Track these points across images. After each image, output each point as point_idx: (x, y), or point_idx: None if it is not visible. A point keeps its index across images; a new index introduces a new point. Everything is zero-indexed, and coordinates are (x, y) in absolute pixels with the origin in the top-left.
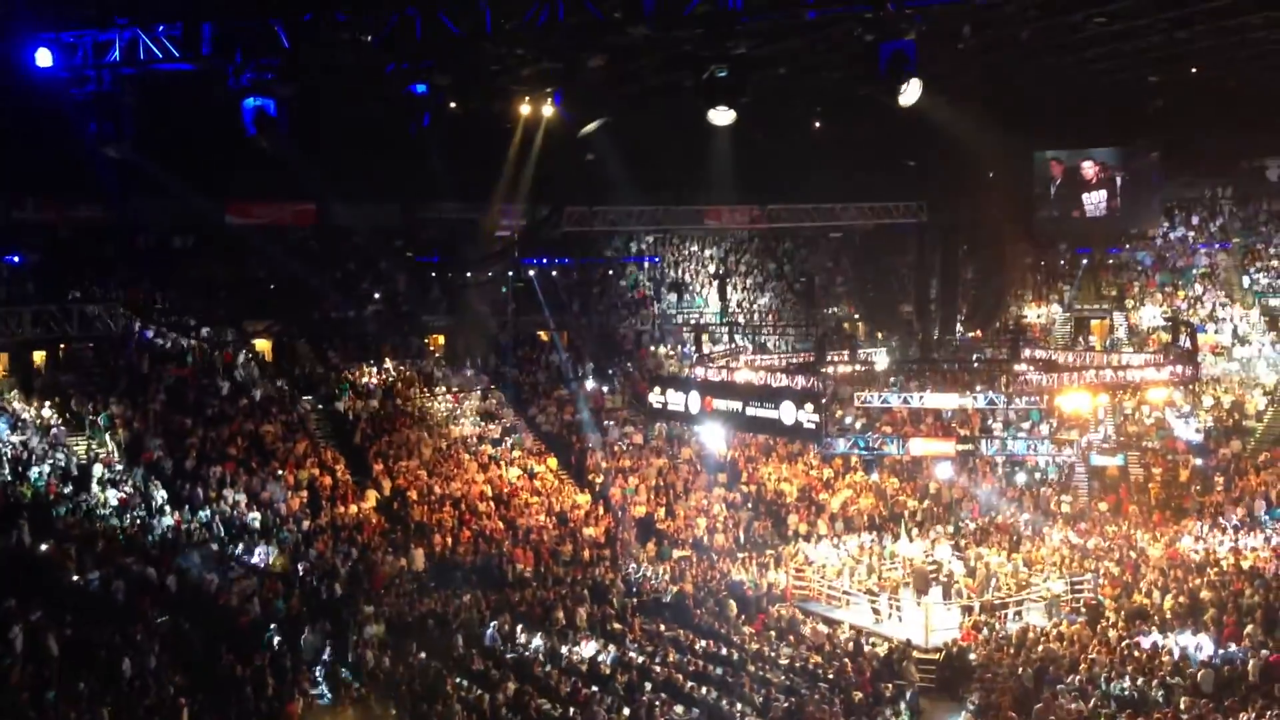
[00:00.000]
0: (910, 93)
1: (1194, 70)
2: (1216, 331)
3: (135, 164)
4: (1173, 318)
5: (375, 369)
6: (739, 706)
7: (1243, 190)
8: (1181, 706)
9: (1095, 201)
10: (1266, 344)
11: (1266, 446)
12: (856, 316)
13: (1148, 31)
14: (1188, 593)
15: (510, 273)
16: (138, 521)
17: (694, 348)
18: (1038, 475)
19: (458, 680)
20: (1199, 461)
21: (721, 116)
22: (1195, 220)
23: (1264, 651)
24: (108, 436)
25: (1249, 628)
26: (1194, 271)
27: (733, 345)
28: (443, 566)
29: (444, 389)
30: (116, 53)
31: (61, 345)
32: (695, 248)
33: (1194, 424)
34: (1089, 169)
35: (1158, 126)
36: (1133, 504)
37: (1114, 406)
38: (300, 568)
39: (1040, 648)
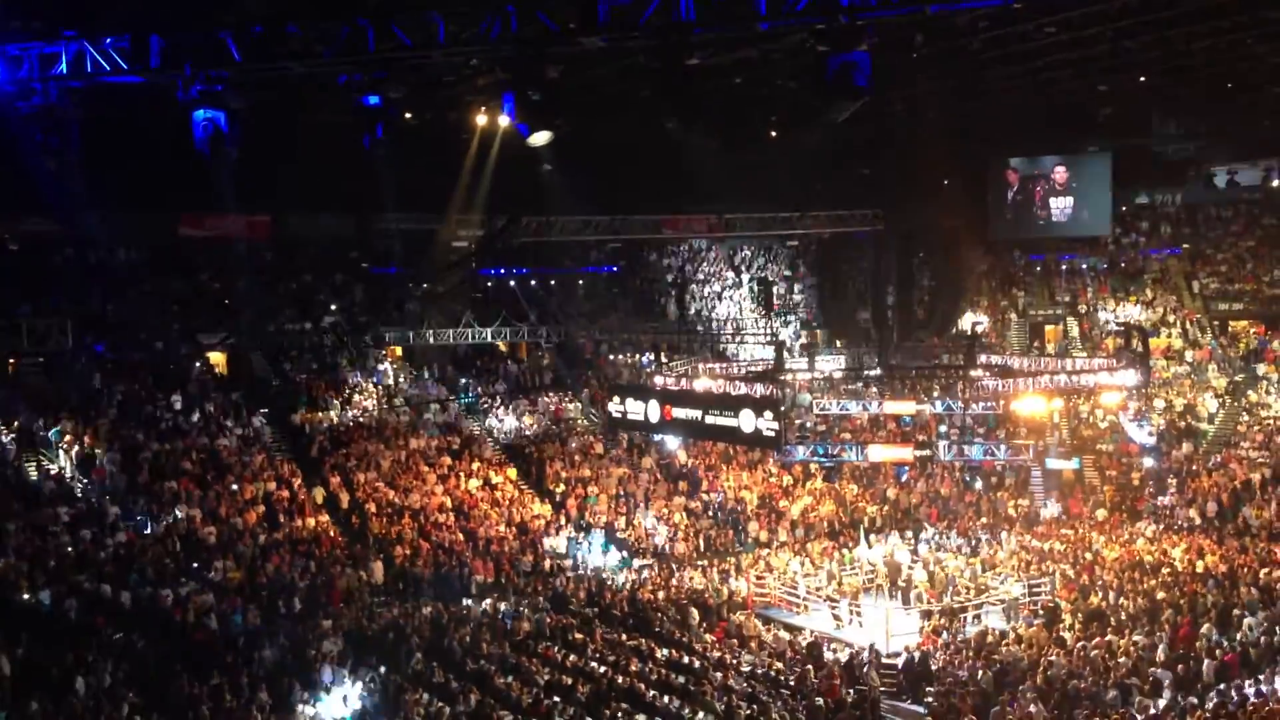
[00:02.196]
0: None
1: (1142, 79)
2: (1168, 336)
3: (82, 176)
4: (1125, 322)
5: (332, 382)
6: (701, 715)
7: (1191, 197)
8: (1138, 707)
9: (1061, 207)
10: (1216, 347)
11: (1218, 448)
12: (814, 324)
13: (1096, 41)
14: (1143, 594)
15: (467, 283)
16: (90, 538)
17: (652, 356)
18: (993, 479)
19: (419, 693)
20: (1151, 463)
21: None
22: (1145, 226)
23: (1219, 652)
24: (60, 452)
25: (1204, 628)
26: (1145, 277)
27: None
28: (402, 579)
29: (402, 400)
30: (63, 65)
31: (11, 360)
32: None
33: (1147, 427)
34: (1060, 174)
35: (1108, 134)
36: (1086, 506)
37: (1068, 411)
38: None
39: (1000, 650)
